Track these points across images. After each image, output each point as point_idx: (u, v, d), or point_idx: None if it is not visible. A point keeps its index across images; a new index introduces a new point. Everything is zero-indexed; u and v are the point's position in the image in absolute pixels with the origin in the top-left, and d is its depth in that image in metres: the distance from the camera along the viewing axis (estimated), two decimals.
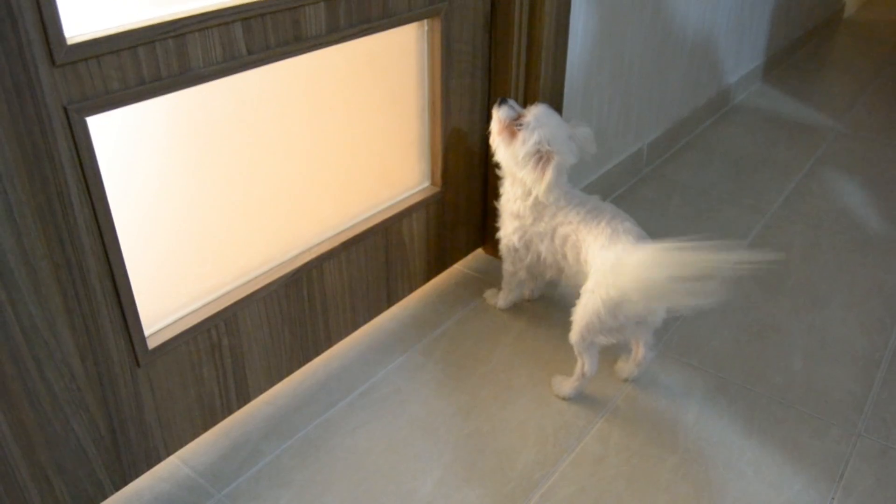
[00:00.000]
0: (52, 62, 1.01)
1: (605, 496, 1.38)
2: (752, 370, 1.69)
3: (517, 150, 1.56)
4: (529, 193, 1.59)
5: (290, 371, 1.59)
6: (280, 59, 1.32)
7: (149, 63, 1.12)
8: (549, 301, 1.90)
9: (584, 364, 1.55)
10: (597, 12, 1.97)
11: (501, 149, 1.61)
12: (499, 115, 1.60)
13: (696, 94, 2.84)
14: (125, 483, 1.33)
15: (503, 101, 1.61)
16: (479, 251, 2.09)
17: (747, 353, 1.74)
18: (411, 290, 1.87)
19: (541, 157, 1.54)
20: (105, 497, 1.30)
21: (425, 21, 1.62)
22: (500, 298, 1.86)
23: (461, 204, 1.91)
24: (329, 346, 1.67)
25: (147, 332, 1.28)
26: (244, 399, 1.51)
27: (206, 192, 1.33)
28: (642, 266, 1.38)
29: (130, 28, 1.08)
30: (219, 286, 1.41)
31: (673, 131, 2.71)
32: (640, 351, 1.62)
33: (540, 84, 1.81)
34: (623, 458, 1.46)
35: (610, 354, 1.70)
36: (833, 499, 1.39)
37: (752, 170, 2.64)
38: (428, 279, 1.91)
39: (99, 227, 1.13)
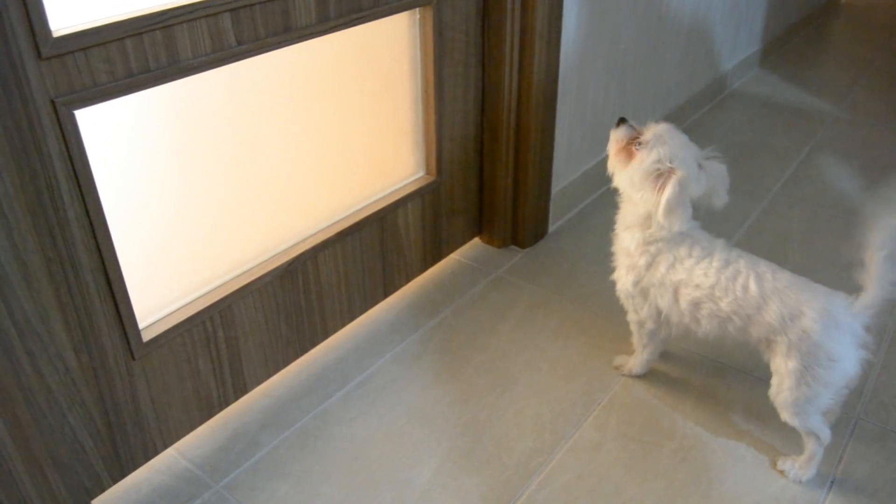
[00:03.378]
0: (39, 55, 1.01)
1: (603, 483, 1.38)
2: (751, 355, 1.68)
3: (634, 170, 1.39)
4: (645, 223, 1.42)
5: (286, 362, 1.59)
6: (270, 50, 1.31)
7: (137, 55, 1.12)
8: (546, 288, 1.90)
9: (819, 437, 1.36)
10: (590, 0, 1.96)
11: (618, 171, 1.43)
12: (616, 136, 1.44)
13: (692, 80, 2.83)
14: (123, 476, 1.33)
15: (621, 121, 1.44)
16: (476, 240, 2.08)
17: None
18: (408, 280, 1.87)
19: (660, 174, 1.36)
20: (103, 490, 1.31)
21: (417, 10, 1.61)
22: (634, 361, 1.62)
23: (457, 193, 1.90)
24: (325, 336, 1.67)
25: (141, 324, 1.28)
26: (241, 391, 1.51)
27: (199, 184, 1.33)
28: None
29: (117, 20, 1.08)
30: (213, 278, 1.41)
31: (669, 118, 2.69)
32: (819, 438, 1.38)
33: (534, 72, 1.81)
34: (621, 445, 1.46)
35: (604, 338, 1.71)
36: (832, 482, 1.39)
37: (750, 156, 2.63)
38: (424, 269, 1.91)
39: (90, 221, 1.13)
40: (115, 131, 1.17)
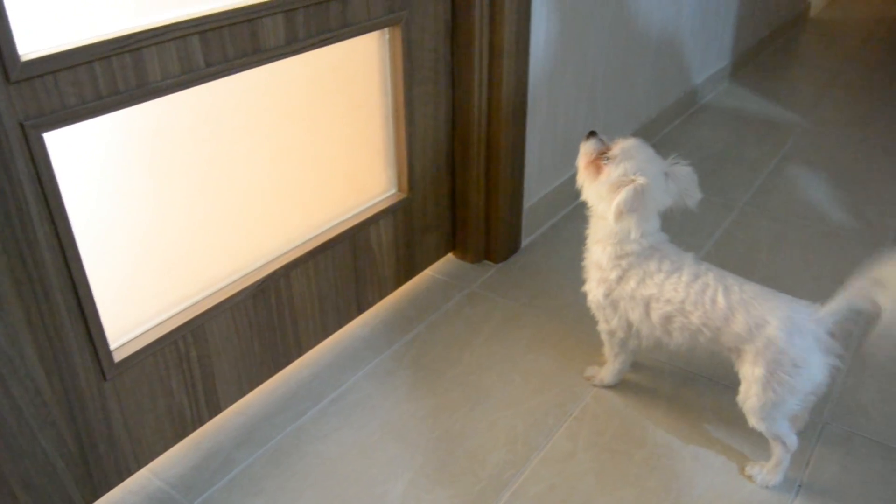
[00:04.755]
0: (7, 79, 1.02)
1: (575, 492, 1.40)
2: (720, 363, 1.70)
3: (601, 185, 1.42)
4: (615, 237, 1.44)
5: (260, 380, 1.60)
6: (239, 71, 1.33)
7: (105, 78, 1.13)
8: (519, 302, 1.92)
9: (785, 443, 1.39)
10: (558, 16, 2.00)
11: (586, 184, 1.46)
12: (585, 149, 1.46)
13: (663, 94, 2.88)
14: (96, 497, 1.33)
15: (591, 134, 1.47)
16: (450, 256, 2.10)
17: None
18: (382, 297, 1.88)
19: (622, 185, 1.38)
20: None
21: (386, 29, 1.63)
22: (606, 372, 1.64)
23: (429, 209, 1.92)
24: (300, 354, 1.68)
25: (113, 345, 1.29)
26: (215, 409, 1.51)
27: (171, 204, 1.34)
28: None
29: (86, 44, 1.10)
30: (185, 297, 1.41)
31: (641, 132, 2.74)
32: (786, 444, 1.41)
33: (503, 88, 1.83)
34: (592, 455, 1.48)
35: (577, 350, 1.73)
36: (800, 485, 1.42)
37: (721, 167, 2.68)
38: (398, 285, 1.93)
39: (60, 242, 1.14)
40: (87, 152, 1.19)
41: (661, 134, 2.94)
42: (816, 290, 1.96)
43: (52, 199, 1.11)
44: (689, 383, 1.66)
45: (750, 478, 1.43)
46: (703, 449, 1.49)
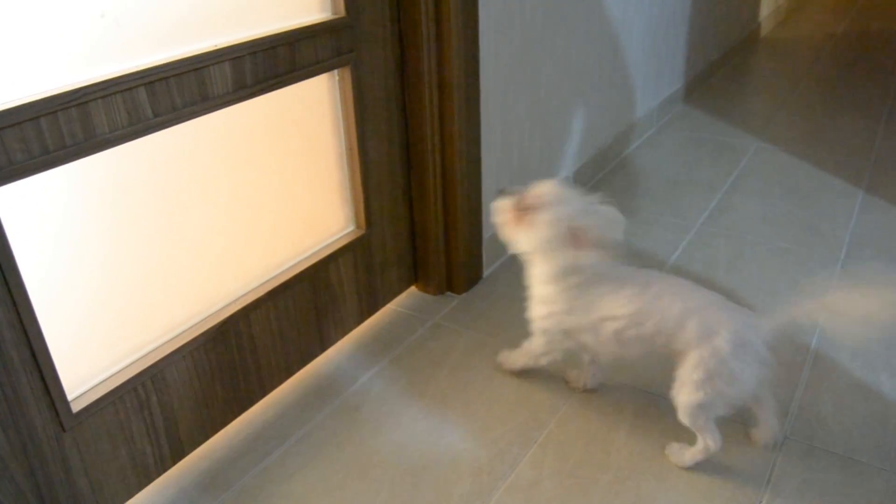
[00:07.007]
0: None
1: None
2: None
3: (537, 235, 1.44)
4: (558, 276, 1.49)
5: (224, 423, 1.60)
6: (188, 120, 1.35)
7: (52, 132, 1.15)
8: (481, 332, 1.94)
9: (708, 441, 1.46)
10: (508, 48, 2.04)
11: (518, 239, 1.48)
12: (502, 207, 1.48)
13: (617, 120, 2.93)
14: None
15: (501, 192, 1.49)
16: (413, 289, 2.12)
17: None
18: (344, 334, 1.89)
19: (572, 234, 1.42)
20: None
21: (335, 71, 1.66)
22: (514, 358, 1.75)
23: (389, 244, 1.94)
24: (263, 395, 1.68)
25: (70, 395, 1.29)
26: (178, 455, 1.51)
27: (126, 251, 1.35)
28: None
29: (31, 100, 1.11)
30: (143, 344, 1.42)
31: (598, 158, 2.79)
32: (767, 410, 1.54)
33: (455, 122, 1.87)
34: (557, 481, 1.49)
35: (539, 377, 1.75)
36: (762, 501, 1.44)
37: (677, 189, 2.73)
38: (361, 321, 1.94)
39: (11, 296, 1.14)
40: (39, 204, 1.19)
41: (618, 159, 2.99)
42: (773, 304, 2.01)
43: (3, 255, 1.11)
44: (650, 405, 1.68)
45: (669, 456, 1.52)
46: (666, 470, 1.51)
